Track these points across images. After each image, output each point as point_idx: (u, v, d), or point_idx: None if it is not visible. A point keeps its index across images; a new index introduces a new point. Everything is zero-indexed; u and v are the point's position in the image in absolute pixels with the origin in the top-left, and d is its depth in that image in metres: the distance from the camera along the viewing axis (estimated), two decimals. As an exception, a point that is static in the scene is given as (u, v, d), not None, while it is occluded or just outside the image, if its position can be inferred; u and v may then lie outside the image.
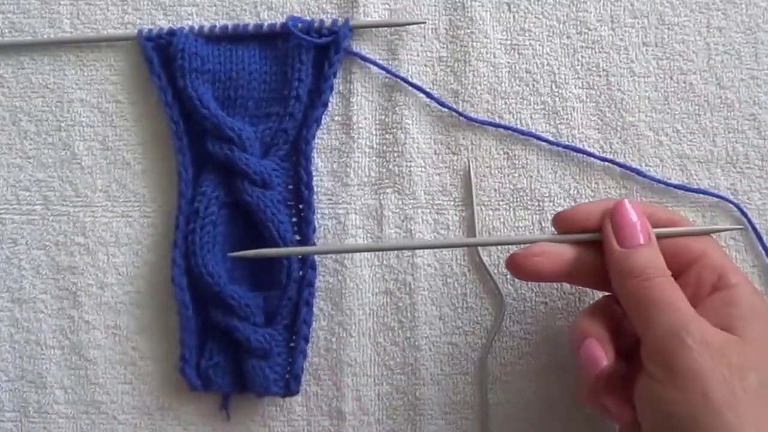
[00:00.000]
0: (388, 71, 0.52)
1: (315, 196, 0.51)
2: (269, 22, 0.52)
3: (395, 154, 0.51)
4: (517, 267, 0.43)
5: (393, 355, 0.50)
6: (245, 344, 0.48)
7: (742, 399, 0.36)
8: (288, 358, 0.49)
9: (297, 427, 0.50)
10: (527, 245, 0.43)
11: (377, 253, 0.51)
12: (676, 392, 0.37)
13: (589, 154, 0.51)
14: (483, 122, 0.51)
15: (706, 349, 0.37)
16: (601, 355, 0.41)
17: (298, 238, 0.50)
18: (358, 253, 0.51)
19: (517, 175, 0.51)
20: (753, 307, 0.40)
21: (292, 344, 0.49)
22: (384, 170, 0.51)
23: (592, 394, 0.42)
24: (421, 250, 0.50)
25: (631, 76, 0.52)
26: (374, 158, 0.52)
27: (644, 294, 0.39)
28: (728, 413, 0.36)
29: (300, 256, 0.49)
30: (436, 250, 0.50)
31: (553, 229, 0.45)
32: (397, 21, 0.52)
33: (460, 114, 0.51)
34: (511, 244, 0.46)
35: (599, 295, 0.50)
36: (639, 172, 0.50)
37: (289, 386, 0.49)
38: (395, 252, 0.51)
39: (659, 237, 0.42)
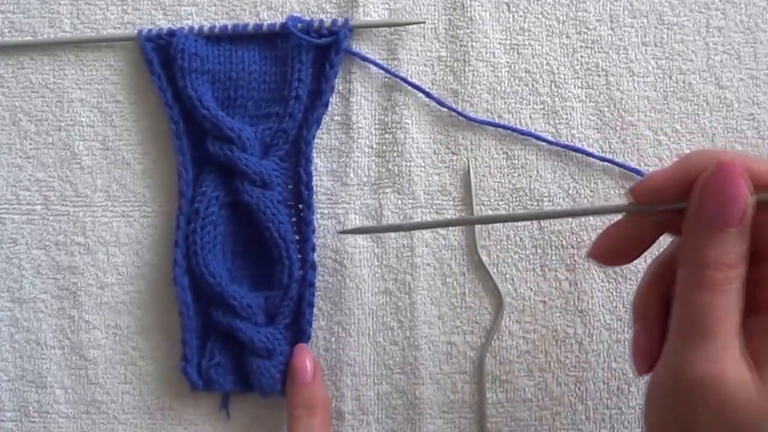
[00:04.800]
0: (387, 71, 0.52)
1: (315, 196, 0.51)
2: (269, 22, 0.52)
3: (395, 154, 0.52)
4: (605, 262, 0.39)
5: (392, 354, 0.50)
6: (248, 344, 0.48)
7: None
8: (289, 358, 0.49)
9: (297, 426, 0.50)
10: (603, 245, 0.39)
11: (377, 253, 0.51)
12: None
13: (589, 154, 0.51)
14: (482, 122, 0.51)
15: (721, 415, 0.32)
16: (643, 359, 0.37)
17: (297, 238, 0.50)
18: (358, 253, 0.51)
19: (516, 175, 0.51)
20: None
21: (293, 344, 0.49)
22: (383, 170, 0.52)
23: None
24: (420, 251, 0.51)
25: (631, 76, 0.52)
26: (374, 158, 0.52)
27: (701, 300, 0.34)
28: None
29: (300, 255, 0.49)
30: (435, 250, 0.51)
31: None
32: (397, 21, 0.52)
33: (460, 114, 0.51)
34: (597, 214, 0.41)
35: (597, 298, 0.50)
36: (638, 172, 0.50)
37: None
38: (395, 252, 0.51)
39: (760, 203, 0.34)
